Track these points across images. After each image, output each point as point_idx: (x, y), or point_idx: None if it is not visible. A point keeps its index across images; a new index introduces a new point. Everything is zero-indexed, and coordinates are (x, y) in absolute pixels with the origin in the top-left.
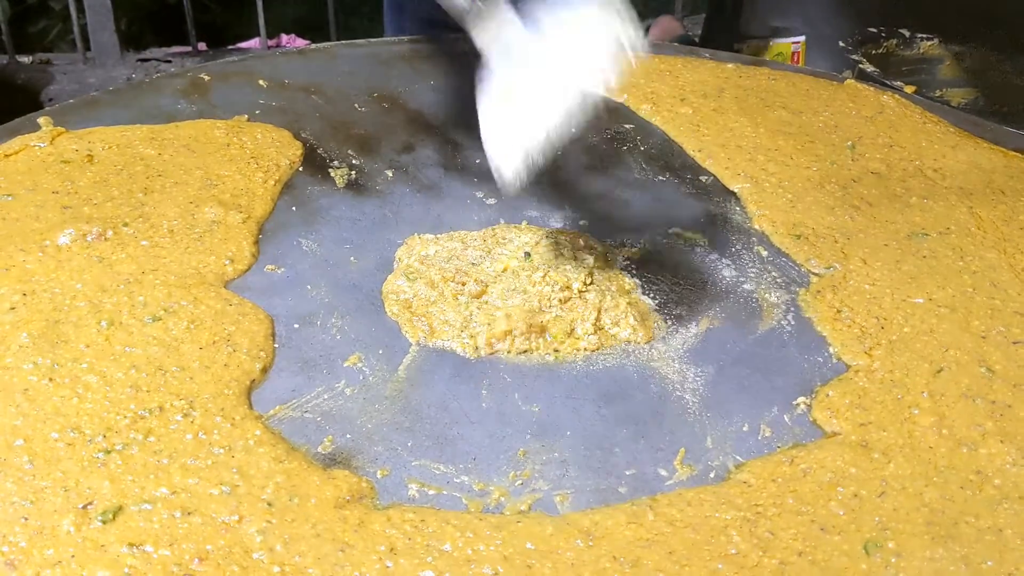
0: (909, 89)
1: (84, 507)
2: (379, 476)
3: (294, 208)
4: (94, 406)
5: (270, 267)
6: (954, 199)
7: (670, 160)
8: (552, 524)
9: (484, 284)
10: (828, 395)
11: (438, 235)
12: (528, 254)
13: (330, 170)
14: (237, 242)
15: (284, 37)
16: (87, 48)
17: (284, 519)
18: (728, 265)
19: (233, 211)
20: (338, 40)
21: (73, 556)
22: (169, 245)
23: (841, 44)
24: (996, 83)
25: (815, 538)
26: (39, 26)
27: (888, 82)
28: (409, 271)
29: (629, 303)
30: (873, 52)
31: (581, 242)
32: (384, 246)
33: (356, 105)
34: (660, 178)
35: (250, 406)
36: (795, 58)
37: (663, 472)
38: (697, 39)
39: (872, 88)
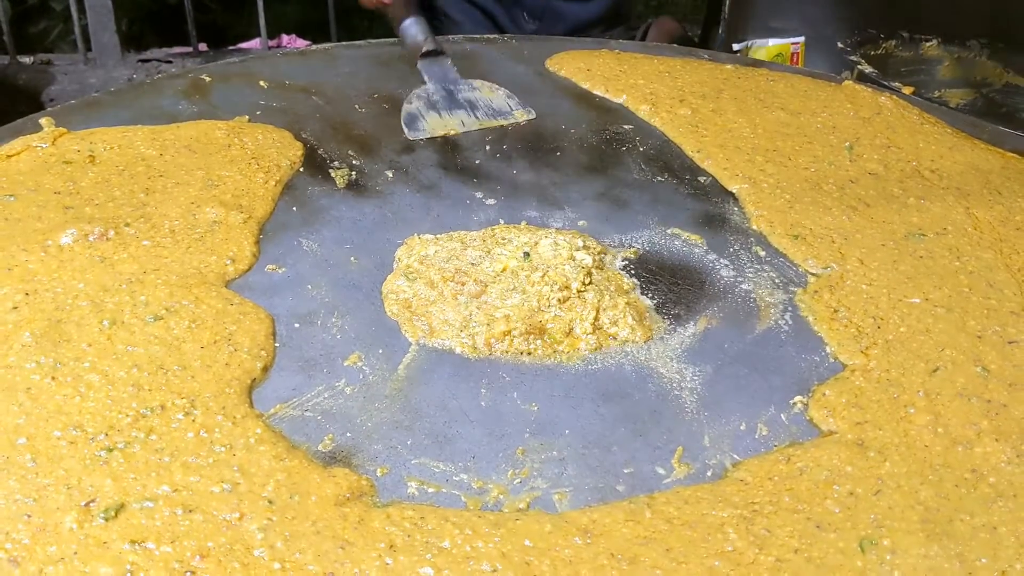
0: (907, 90)
1: (86, 504)
2: (379, 474)
3: (295, 208)
4: (96, 405)
5: (271, 267)
6: (951, 200)
7: (669, 161)
8: (550, 522)
9: (483, 284)
10: (825, 394)
11: (438, 235)
12: (527, 254)
13: (330, 170)
14: (238, 242)
15: (285, 38)
16: (88, 49)
17: (285, 516)
18: (726, 265)
19: (234, 211)
20: (338, 41)
21: (75, 553)
22: (171, 245)
23: (840, 45)
24: (995, 84)
25: (811, 535)
26: (40, 27)
27: (886, 83)
28: (409, 271)
29: (628, 303)
30: (872, 53)
31: (580, 242)
32: (384, 246)
33: (356, 106)
34: (659, 179)
35: (251, 405)
36: (794, 59)
37: (661, 470)
38: (696, 39)
39: (870, 89)
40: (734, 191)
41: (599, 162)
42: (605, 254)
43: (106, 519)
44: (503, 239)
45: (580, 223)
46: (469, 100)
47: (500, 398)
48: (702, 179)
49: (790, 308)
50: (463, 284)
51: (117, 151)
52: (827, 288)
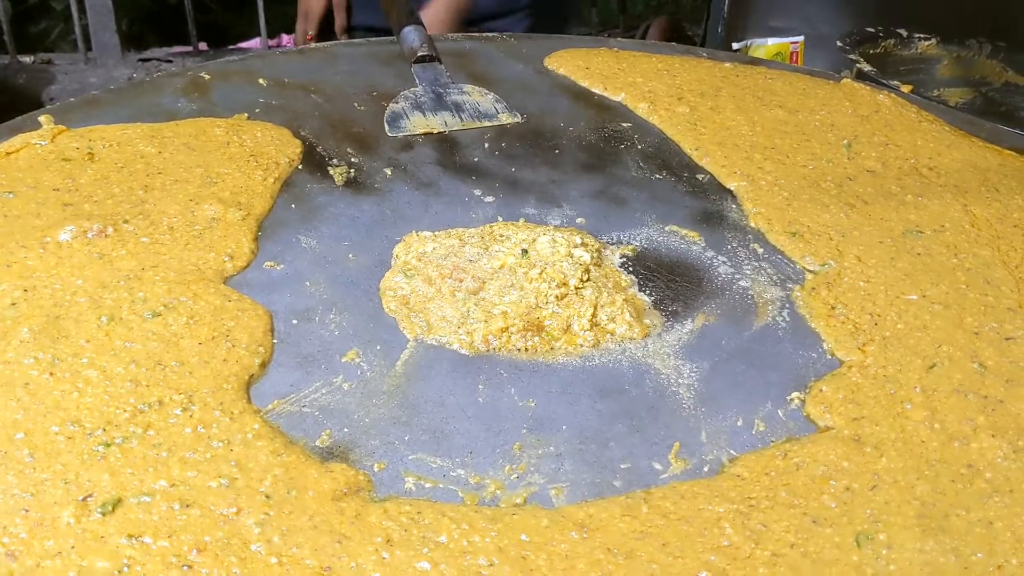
0: (906, 88)
1: (84, 499)
2: (376, 469)
3: (293, 205)
4: (94, 400)
5: (269, 264)
6: (949, 197)
7: (667, 158)
8: (547, 516)
9: (481, 281)
10: (822, 390)
11: (436, 232)
12: (525, 251)
13: (329, 168)
14: (236, 239)
15: (285, 37)
16: (88, 48)
17: (282, 511)
18: (724, 262)
19: (233, 208)
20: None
21: (73, 547)
22: (169, 242)
23: (839, 44)
24: (994, 83)
25: (807, 530)
26: (40, 26)
27: (885, 82)
28: (407, 268)
29: (625, 300)
30: (871, 52)
31: (578, 239)
32: (382, 243)
33: (355, 104)
34: (657, 176)
35: (249, 400)
36: (794, 58)
37: (658, 466)
38: (698, 39)
39: (868, 87)
40: (732, 188)
41: (597, 160)
42: (603, 251)
43: (103, 514)
44: (501, 236)
45: (578, 220)
46: (456, 103)
47: (497, 394)
48: (700, 177)
49: (787, 305)
50: (461, 281)
51: (116, 148)
52: (824, 285)
